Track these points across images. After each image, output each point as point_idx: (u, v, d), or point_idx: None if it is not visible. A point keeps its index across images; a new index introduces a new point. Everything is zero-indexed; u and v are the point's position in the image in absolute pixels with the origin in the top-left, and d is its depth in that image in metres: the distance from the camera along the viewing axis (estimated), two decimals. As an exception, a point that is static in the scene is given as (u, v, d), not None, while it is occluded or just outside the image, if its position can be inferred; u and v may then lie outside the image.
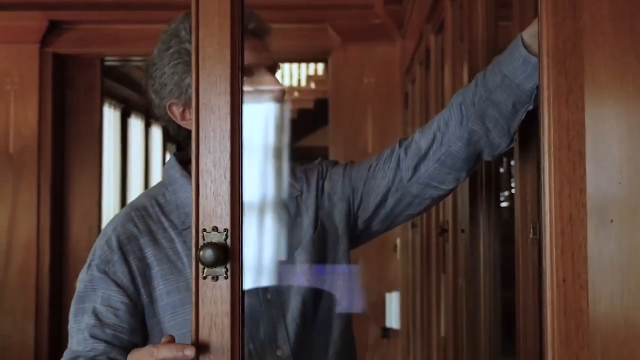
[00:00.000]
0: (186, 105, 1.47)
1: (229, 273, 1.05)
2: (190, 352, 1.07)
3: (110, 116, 6.07)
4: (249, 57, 1.44)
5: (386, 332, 4.36)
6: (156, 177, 7.65)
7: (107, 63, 4.70)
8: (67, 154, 4.51)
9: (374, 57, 4.40)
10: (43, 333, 4.27)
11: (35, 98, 4.31)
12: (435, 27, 3.04)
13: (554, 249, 1.04)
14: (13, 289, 4.26)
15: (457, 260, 2.48)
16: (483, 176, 2.19)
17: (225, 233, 1.05)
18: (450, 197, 2.58)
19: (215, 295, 1.06)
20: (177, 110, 1.48)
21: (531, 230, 1.60)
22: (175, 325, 1.41)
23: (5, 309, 4.25)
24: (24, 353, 4.23)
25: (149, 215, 1.48)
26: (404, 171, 1.54)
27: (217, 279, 1.06)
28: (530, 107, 1.39)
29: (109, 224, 1.49)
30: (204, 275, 1.05)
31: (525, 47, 1.36)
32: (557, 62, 1.07)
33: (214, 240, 1.04)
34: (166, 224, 1.46)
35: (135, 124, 6.84)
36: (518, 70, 1.37)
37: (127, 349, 1.38)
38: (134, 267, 1.42)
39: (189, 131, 1.39)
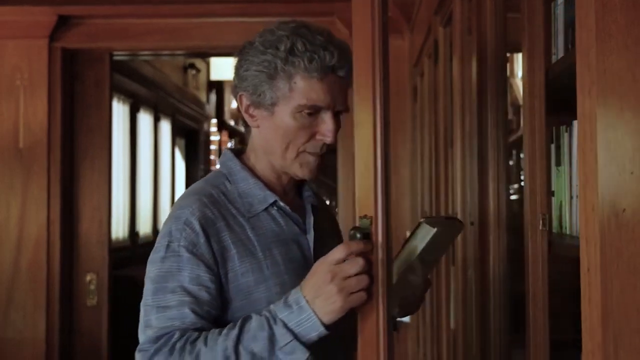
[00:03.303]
0: (253, 104, 1.56)
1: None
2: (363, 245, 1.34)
3: (119, 111, 6.08)
4: (329, 100, 1.51)
5: (396, 324, 4.35)
6: (165, 172, 7.66)
7: (116, 58, 4.69)
8: (76, 149, 4.52)
9: (383, 50, 4.39)
10: (54, 327, 4.29)
11: (44, 93, 4.32)
12: (443, 19, 3.04)
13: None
14: (24, 283, 4.28)
15: (467, 252, 2.48)
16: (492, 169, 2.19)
17: (370, 220, 1.33)
18: (459, 189, 2.58)
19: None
20: (244, 102, 1.58)
21: (540, 221, 1.61)
22: (245, 305, 1.49)
23: (16, 303, 4.27)
24: (36, 347, 4.25)
25: (217, 202, 1.55)
26: None
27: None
28: None
29: (181, 209, 1.53)
30: None
31: None
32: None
33: (362, 225, 1.33)
34: (234, 211, 1.55)
35: (144, 119, 6.84)
36: None
37: (213, 322, 1.47)
38: (215, 249, 1.49)
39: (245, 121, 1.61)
